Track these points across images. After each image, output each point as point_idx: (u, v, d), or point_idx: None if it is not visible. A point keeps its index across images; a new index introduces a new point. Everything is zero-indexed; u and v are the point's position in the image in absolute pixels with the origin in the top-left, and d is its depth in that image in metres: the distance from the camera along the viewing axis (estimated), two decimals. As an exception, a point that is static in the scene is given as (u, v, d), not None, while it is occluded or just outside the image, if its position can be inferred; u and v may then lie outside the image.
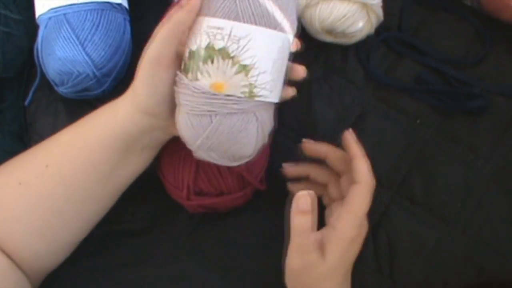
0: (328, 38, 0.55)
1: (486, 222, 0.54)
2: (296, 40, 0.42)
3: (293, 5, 0.41)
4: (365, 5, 0.51)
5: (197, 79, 0.39)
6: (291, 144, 0.53)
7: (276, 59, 0.40)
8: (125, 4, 0.54)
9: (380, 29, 0.56)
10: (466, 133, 0.56)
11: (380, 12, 0.53)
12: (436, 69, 0.57)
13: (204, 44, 0.38)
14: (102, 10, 0.51)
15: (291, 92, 0.45)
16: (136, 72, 0.43)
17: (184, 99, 0.40)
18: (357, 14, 0.51)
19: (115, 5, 0.52)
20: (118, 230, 0.53)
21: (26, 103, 0.56)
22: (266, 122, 0.41)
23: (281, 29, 0.39)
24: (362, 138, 0.55)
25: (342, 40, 0.55)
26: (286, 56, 0.41)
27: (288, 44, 0.41)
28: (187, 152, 0.43)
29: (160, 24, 0.42)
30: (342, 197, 0.46)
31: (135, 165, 0.47)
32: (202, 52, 0.39)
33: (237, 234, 0.53)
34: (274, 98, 0.41)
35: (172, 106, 0.42)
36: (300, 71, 0.44)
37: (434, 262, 0.53)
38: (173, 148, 0.48)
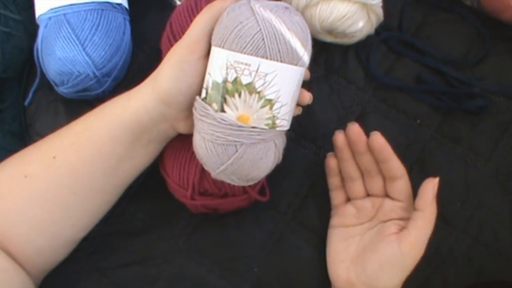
0: (328, 38, 0.55)
1: (486, 222, 0.54)
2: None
3: (310, 35, 0.42)
4: (365, 5, 0.51)
5: (223, 111, 0.41)
6: (291, 145, 0.53)
7: (295, 91, 0.42)
8: (125, 4, 0.54)
9: (380, 29, 0.56)
10: (466, 133, 0.56)
11: (380, 12, 0.53)
12: (436, 69, 0.57)
13: (231, 78, 0.40)
14: (102, 10, 0.51)
15: (297, 112, 0.47)
16: (164, 59, 0.44)
17: (209, 128, 0.41)
18: (357, 14, 0.51)
19: (115, 5, 0.52)
20: (118, 230, 0.53)
21: (26, 103, 0.56)
22: (281, 146, 0.44)
23: (302, 64, 0.41)
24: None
25: (342, 40, 0.55)
26: (300, 85, 0.43)
27: (304, 74, 0.43)
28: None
29: (201, 13, 0.43)
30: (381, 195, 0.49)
31: (141, 158, 0.47)
32: (229, 86, 0.40)
33: (237, 234, 0.53)
34: (289, 125, 0.44)
35: (190, 98, 0.43)
36: (307, 97, 0.45)
37: (434, 262, 0.53)
38: (178, 148, 0.49)
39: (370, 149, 0.47)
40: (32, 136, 0.56)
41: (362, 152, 0.47)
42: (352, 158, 0.49)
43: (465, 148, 0.55)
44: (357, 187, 0.50)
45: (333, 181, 0.51)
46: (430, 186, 0.46)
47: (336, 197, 0.51)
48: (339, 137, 0.48)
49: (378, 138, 0.46)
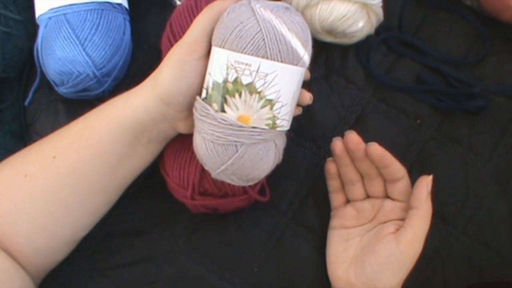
0: (328, 38, 0.55)
1: (486, 222, 0.54)
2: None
3: (310, 36, 0.43)
4: (365, 5, 0.51)
5: (223, 111, 0.41)
6: (291, 145, 0.53)
7: (295, 91, 0.42)
8: (125, 4, 0.54)
9: (380, 29, 0.56)
10: (466, 133, 0.56)
11: (380, 12, 0.53)
12: (436, 69, 0.57)
13: (231, 78, 0.40)
14: (102, 10, 0.51)
15: (298, 112, 0.47)
16: (164, 59, 0.44)
17: (209, 128, 0.41)
18: (357, 14, 0.51)
19: (115, 5, 0.52)
20: (118, 230, 0.53)
21: (26, 103, 0.56)
22: (281, 146, 0.44)
23: (302, 64, 0.41)
24: (362, 138, 0.55)
25: (342, 40, 0.55)
26: (301, 85, 0.43)
27: (304, 74, 0.43)
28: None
29: (201, 13, 0.43)
30: (382, 196, 0.49)
31: (141, 158, 0.47)
32: (230, 86, 0.40)
33: (237, 234, 0.53)
34: (289, 125, 0.44)
35: (190, 98, 0.43)
36: (307, 98, 0.45)
37: (434, 262, 0.53)
38: (178, 148, 0.49)
39: (369, 158, 0.47)
40: (32, 136, 0.56)
41: (361, 160, 0.47)
42: (351, 164, 0.49)
43: (465, 148, 0.55)
44: (357, 190, 0.50)
45: (333, 184, 0.51)
46: (424, 183, 0.46)
47: (336, 199, 0.51)
48: (337, 145, 0.48)
49: (376, 149, 0.46)
